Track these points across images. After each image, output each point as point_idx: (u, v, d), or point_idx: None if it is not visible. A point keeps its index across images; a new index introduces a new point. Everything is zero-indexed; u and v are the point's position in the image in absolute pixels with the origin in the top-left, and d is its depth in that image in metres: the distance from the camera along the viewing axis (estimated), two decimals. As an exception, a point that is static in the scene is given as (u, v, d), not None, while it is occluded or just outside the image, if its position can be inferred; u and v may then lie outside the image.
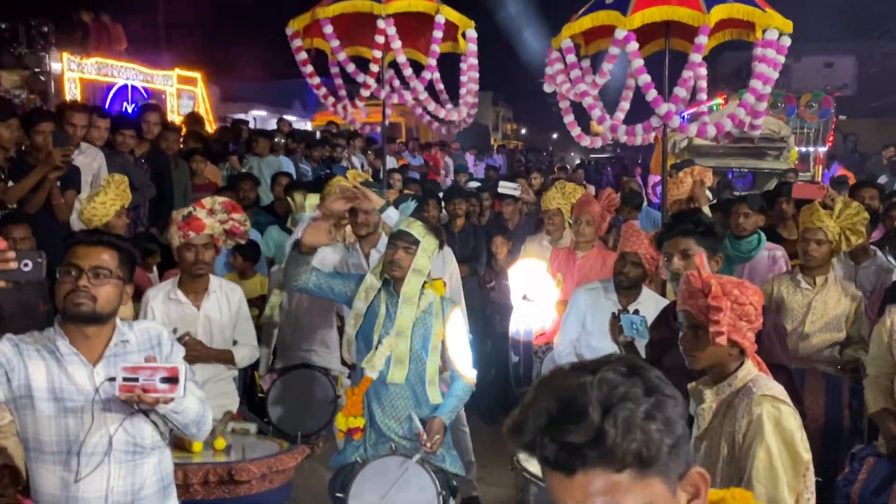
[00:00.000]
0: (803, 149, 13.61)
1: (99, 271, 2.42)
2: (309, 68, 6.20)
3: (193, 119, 9.86)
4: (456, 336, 3.64)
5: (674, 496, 1.13)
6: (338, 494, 3.45)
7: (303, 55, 6.13)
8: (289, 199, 5.27)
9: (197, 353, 3.63)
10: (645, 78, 5.09)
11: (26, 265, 2.08)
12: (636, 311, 3.39)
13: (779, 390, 2.34)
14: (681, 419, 1.13)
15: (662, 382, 1.15)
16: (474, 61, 6.34)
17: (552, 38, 5.45)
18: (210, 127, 13.38)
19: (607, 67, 5.26)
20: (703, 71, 5.28)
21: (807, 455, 2.29)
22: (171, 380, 2.30)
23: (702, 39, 4.92)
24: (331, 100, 6.45)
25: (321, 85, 6.39)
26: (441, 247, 3.62)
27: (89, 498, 2.44)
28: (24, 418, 2.44)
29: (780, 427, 2.24)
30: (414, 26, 6.21)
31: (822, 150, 14.19)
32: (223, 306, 3.83)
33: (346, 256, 4.34)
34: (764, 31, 5.04)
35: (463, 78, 6.33)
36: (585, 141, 5.82)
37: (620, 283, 4.11)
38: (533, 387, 1.16)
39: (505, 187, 7.32)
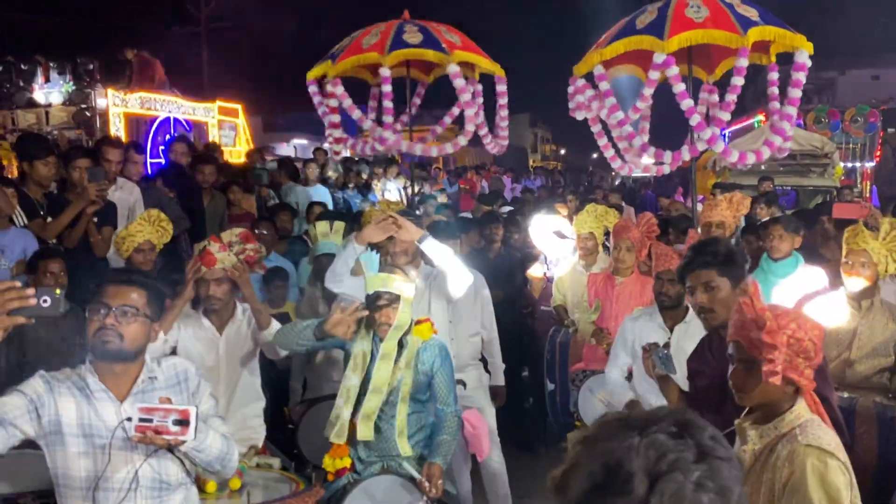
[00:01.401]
0: (849, 164, 13.27)
1: (126, 310, 2.47)
2: (328, 113, 6.41)
3: (210, 148, 10.03)
4: (443, 373, 3.61)
5: None
6: None
7: (319, 102, 6.35)
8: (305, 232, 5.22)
9: (241, 276, 3.74)
10: (688, 103, 5.07)
11: (45, 301, 2.12)
12: (666, 345, 3.29)
13: (827, 440, 2.11)
14: (737, 484, 1.05)
15: (716, 443, 1.07)
16: (503, 101, 6.57)
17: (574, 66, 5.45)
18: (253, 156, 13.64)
19: (648, 92, 5.22)
20: (716, 97, 5.28)
21: None
22: (184, 422, 2.31)
23: (742, 62, 4.94)
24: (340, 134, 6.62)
25: (339, 125, 6.57)
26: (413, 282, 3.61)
27: None
28: (53, 454, 2.48)
29: (825, 483, 2.04)
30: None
31: (870, 165, 13.83)
32: (244, 331, 3.86)
33: None
34: (777, 54, 5.10)
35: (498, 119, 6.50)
36: (617, 163, 5.75)
37: (663, 303, 4.04)
38: (578, 442, 1.11)
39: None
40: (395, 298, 3.48)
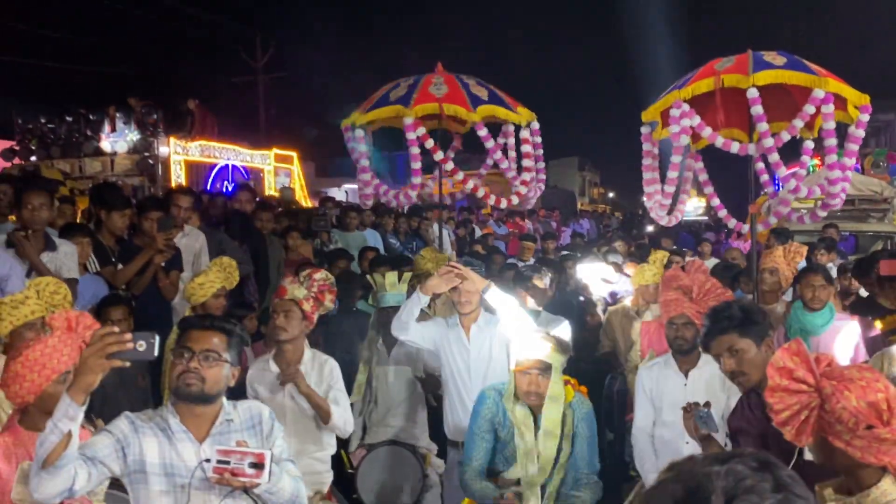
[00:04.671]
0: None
1: (209, 354, 2.59)
2: (364, 161, 6.70)
3: (286, 195, 10.29)
4: (585, 436, 3.48)
5: None
6: None
7: (362, 147, 6.74)
8: (371, 277, 5.34)
9: (303, 386, 3.76)
10: (775, 157, 5.14)
11: (141, 346, 2.23)
12: (707, 404, 3.24)
13: None
14: None
15: (795, 482, 1.12)
16: (539, 153, 6.97)
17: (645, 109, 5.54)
18: (306, 201, 13.97)
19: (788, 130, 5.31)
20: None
21: None
22: (259, 465, 2.40)
23: (864, 117, 5.25)
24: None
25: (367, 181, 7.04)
26: (566, 351, 3.49)
27: None
28: (136, 492, 2.58)
29: None
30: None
31: (932, 209, 13.42)
32: (313, 377, 3.89)
33: (447, 331, 4.37)
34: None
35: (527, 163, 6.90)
36: (661, 212, 5.79)
37: (681, 347, 3.96)
38: (663, 470, 1.18)
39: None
40: (547, 367, 3.36)
